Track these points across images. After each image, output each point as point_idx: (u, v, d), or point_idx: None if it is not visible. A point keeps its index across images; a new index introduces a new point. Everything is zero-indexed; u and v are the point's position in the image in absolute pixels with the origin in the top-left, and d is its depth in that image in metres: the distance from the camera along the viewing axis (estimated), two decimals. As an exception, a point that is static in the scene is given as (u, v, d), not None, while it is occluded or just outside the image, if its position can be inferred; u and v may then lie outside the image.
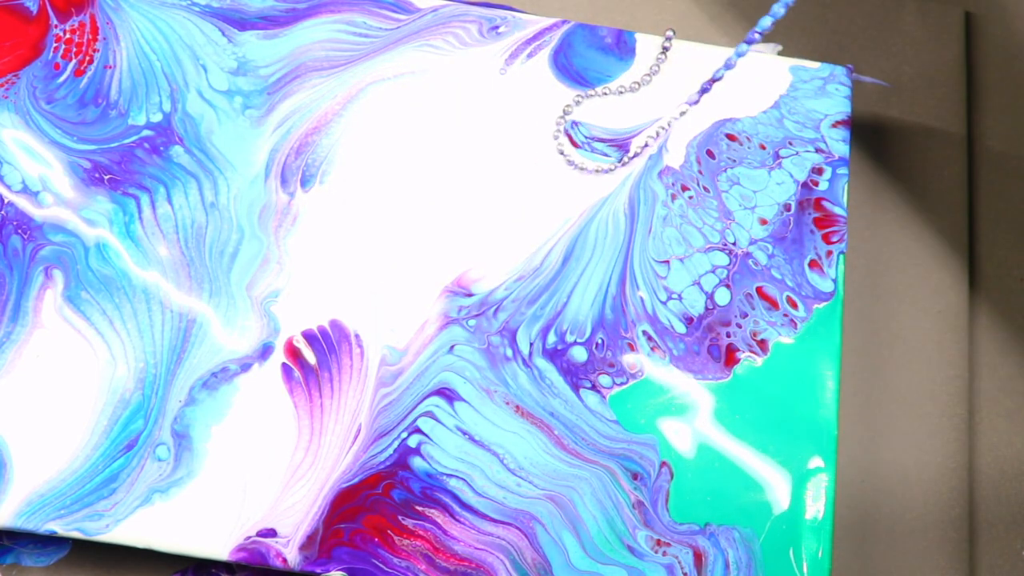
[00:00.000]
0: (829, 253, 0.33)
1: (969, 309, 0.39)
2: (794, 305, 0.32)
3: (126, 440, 0.30)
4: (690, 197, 0.33)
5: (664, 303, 0.32)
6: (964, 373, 0.38)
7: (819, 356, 0.32)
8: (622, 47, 0.35)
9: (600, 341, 0.32)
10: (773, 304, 0.32)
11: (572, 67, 0.35)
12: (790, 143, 0.34)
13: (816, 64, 0.35)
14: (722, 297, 0.32)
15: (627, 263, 0.32)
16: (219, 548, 0.29)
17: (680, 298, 0.32)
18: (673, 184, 0.33)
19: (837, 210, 0.33)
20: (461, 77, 0.34)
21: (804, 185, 0.34)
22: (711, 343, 0.32)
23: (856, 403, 0.38)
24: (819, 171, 0.34)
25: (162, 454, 0.30)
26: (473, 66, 0.35)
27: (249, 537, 0.29)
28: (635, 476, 0.30)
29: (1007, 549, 0.36)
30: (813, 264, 0.33)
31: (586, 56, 0.35)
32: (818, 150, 0.34)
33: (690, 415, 0.31)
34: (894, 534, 0.36)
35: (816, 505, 0.30)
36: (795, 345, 0.32)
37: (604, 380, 0.31)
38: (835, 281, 0.32)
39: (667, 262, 0.32)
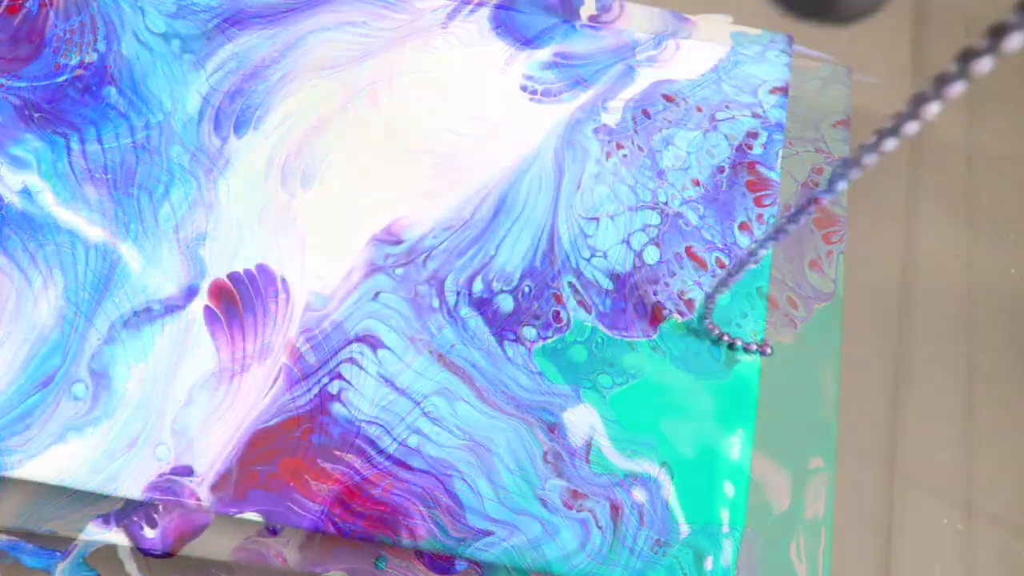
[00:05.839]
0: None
1: (968, 309, 0.39)
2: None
3: (42, 377, 0.30)
4: (624, 155, 0.33)
5: (588, 260, 0.32)
6: (964, 373, 0.38)
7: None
8: (566, 6, 0.35)
9: (527, 290, 0.31)
10: (702, 264, 0.32)
11: (513, 24, 0.35)
12: (727, 106, 0.34)
13: (757, 31, 0.35)
14: (651, 255, 0.32)
15: (555, 218, 0.32)
16: (132, 487, 0.29)
17: (605, 255, 0.32)
18: (608, 142, 0.33)
19: (771, 175, 0.33)
20: (402, 30, 0.34)
21: (738, 148, 0.34)
22: (637, 300, 0.32)
23: (856, 403, 0.37)
24: (754, 135, 0.34)
25: (79, 392, 0.30)
26: (414, 20, 0.34)
27: (163, 475, 0.29)
28: (551, 428, 0.30)
29: (1007, 549, 0.36)
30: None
31: (528, 13, 0.35)
32: (754, 115, 0.34)
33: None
34: (894, 534, 0.36)
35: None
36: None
37: (528, 332, 0.31)
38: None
39: (597, 219, 0.32)
